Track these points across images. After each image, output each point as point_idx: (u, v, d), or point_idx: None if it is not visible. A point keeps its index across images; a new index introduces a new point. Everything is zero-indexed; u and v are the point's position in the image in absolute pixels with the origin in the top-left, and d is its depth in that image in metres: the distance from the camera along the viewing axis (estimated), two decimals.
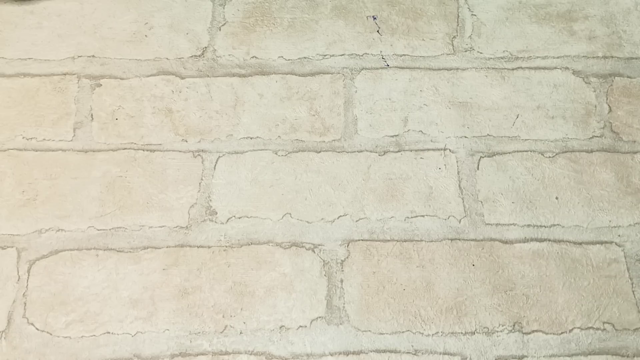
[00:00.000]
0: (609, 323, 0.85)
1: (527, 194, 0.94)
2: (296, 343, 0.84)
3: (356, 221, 0.92)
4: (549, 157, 0.96)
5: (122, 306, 0.86)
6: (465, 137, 0.98)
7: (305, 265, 0.88)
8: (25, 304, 0.86)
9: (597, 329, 0.85)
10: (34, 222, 0.91)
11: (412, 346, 0.84)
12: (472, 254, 0.89)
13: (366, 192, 0.94)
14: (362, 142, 0.98)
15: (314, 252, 0.89)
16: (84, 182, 0.94)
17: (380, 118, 1.00)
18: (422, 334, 0.84)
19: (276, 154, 0.97)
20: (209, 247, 0.90)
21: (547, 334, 0.84)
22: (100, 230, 0.90)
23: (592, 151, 0.97)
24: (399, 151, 0.97)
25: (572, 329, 0.85)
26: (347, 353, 0.83)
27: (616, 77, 1.03)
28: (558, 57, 1.05)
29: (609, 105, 1.01)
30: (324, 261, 0.89)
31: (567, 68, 1.04)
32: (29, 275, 0.87)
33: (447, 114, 1.00)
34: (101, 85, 1.02)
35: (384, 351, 0.84)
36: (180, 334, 0.84)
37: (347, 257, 0.89)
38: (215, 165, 0.95)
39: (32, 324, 0.84)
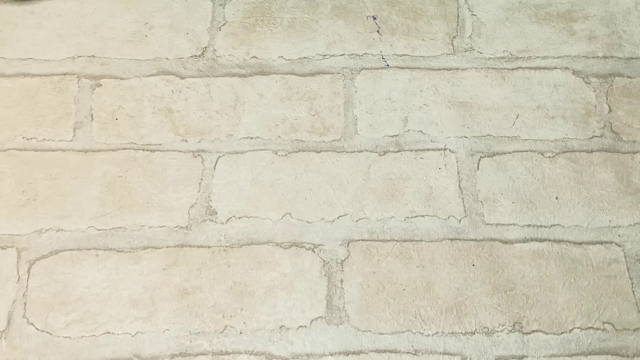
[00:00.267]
0: (609, 323, 0.85)
1: (527, 194, 0.94)
2: (296, 343, 0.84)
3: (356, 221, 0.92)
4: (549, 157, 0.96)
5: (122, 306, 0.86)
6: (465, 137, 0.98)
7: (305, 265, 0.88)
8: (25, 304, 0.86)
9: (597, 329, 0.85)
10: (34, 222, 0.91)
11: (412, 346, 0.84)
12: (472, 254, 0.90)
13: (366, 192, 0.94)
14: (362, 142, 0.98)
15: (314, 252, 0.89)
16: (84, 182, 0.94)
17: (380, 118, 1.00)
18: (422, 334, 0.84)
19: (276, 154, 0.97)
20: (209, 247, 0.90)
21: (547, 334, 0.84)
22: (100, 230, 0.90)
23: (592, 151, 0.97)
24: (399, 151, 0.97)
25: (572, 329, 0.85)
26: (347, 353, 0.83)
27: (616, 77, 1.03)
28: (558, 57, 1.05)
29: (609, 105, 1.01)
30: (324, 261, 0.89)
31: (567, 68, 1.04)
32: (29, 275, 0.87)
33: (447, 114, 1.00)
34: (101, 85, 1.02)
35: (384, 351, 0.84)
36: (180, 334, 0.84)
37: (347, 257, 0.89)
38: (215, 165, 0.95)
39: (32, 324, 0.84)
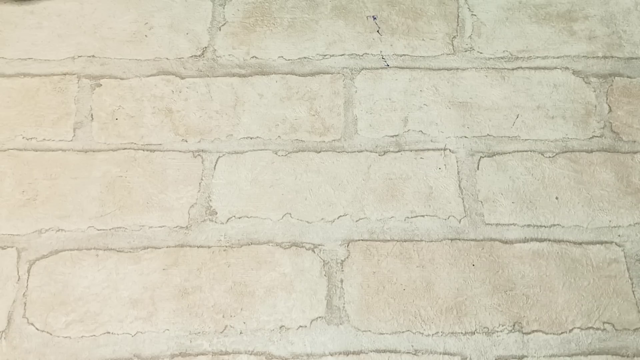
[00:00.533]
0: (609, 323, 0.85)
1: (527, 194, 0.94)
2: (296, 343, 0.84)
3: (356, 221, 0.92)
4: (549, 157, 0.96)
5: (122, 306, 0.86)
6: (465, 137, 0.98)
7: (305, 265, 0.88)
8: (25, 304, 0.86)
9: (597, 329, 0.85)
10: (34, 222, 0.91)
11: (412, 346, 0.84)
12: (472, 254, 0.89)
13: (366, 192, 0.94)
14: (362, 142, 0.98)
15: (314, 252, 0.89)
16: (84, 182, 0.94)
17: (380, 118, 1.00)
18: (422, 334, 0.84)
19: (276, 154, 0.97)
20: (209, 247, 0.90)
21: (547, 334, 0.84)
22: (100, 230, 0.90)
23: (592, 151, 0.97)
24: (399, 151, 0.97)
25: (572, 329, 0.85)
26: (347, 353, 0.83)
27: (616, 77, 1.03)
28: (558, 57, 1.05)
29: (609, 105, 1.01)
30: (324, 261, 0.89)
31: (567, 68, 1.04)
32: (29, 275, 0.87)
33: (447, 114, 1.00)
34: (101, 85, 1.02)
35: (384, 351, 0.84)
36: (180, 334, 0.84)
37: (347, 257, 0.89)
38: (215, 165, 0.95)
39: (32, 324, 0.84)
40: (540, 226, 0.91)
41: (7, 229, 0.90)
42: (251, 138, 0.98)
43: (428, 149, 0.97)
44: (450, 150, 0.97)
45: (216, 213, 0.92)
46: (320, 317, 0.85)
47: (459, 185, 0.94)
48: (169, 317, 0.85)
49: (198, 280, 0.87)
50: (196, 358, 0.83)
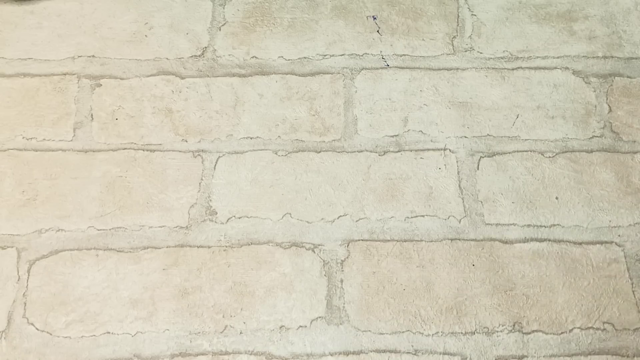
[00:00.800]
0: (609, 323, 0.85)
1: (527, 194, 0.94)
2: (296, 343, 0.84)
3: (356, 221, 0.92)
4: (549, 157, 0.96)
5: (122, 306, 0.86)
6: (465, 137, 0.98)
7: (305, 265, 0.88)
8: (25, 304, 0.86)
9: (597, 329, 0.85)
10: (34, 222, 0.91)
11: (412, 346, 0.84)
12: (472, 254, 0.89)
13: (366, 192, 0.94)
14: (362, 142, 0.98)
15: (314, 252, 0.89)
16: (84, 182, 0.94)
17: (380, 118, 1.00)
18: (422, 334, 0.84)
19: (276, 154, 0.97)
20: (209, 247, 0.90)
21: (547, 334, 0.84)
22: (100, 230, 0.90)
23: (592, 151, 0.97)
24: (399, 151, 0.97)
25: (572, 329, 0.85)
26: (347, 353, 0.83)
27: (616, 77, 1.03)
28: (558, 57, 1.05)
29: (609, 105, 1.01)
30: (324, 261, 0.89)
31: (567, 68, 1.04)
32: (29, 275, 0.87)
33: (447, 114, 1.00)
34: (101, 85, 1.02)
35: (384, 351, 0.84)
36: (180, 334, 0.84)
37: (347, 257, 0.89)
38: (215, 165, 0.95)
39: (32, 324, 0.84)
40: (540, 226, 0.91)
41: (7, 229, 0.90)
42: (251, 138, 0.98)
43: (428, 149, 0.97)
44: (450, 150, 0.97)
45: (216, 213, 0.92)
46: (320, 317, 0.85)
47: (459, 185, 0.94)
48: (169, 317, 0.85)
49: (198, 280, 0.87)
50: (196, 358, 0.83)
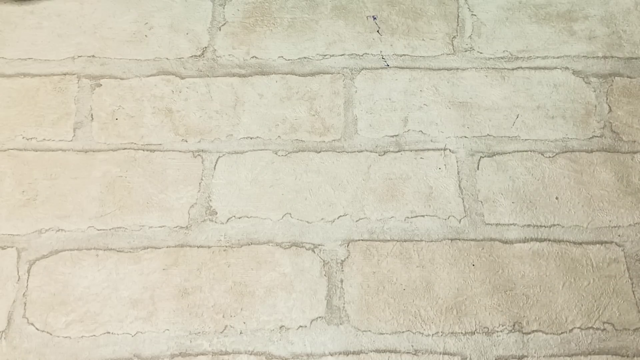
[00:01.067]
0: (609, 323, 0.85)
1: (527, 194, 0.94)
2: (296, 343, 0.84)
3: (356, 221, 0.92)
4: (549, 157, 0.96)
5: (122, 306, 0.86)
6: (465, 137, 0.98)
7: (305, 265, 0.88)
8: (25, 304, 0.86)
9: (597, 329, 0.85)
10: (34, 222, 0.91)
11: (412, 346, 0.84)
12: (472, 254, 0.89)
13: (366, 192, 0.94)
14: (362, 142, 0.98)
15: (314, 252, 0.89)
16: (84, 182, 0.94)
17: (380, 118, 1.00)
18: (422, 334, 0.84)
19: (276, 154, 0.97)
20: (209, 247, 0.90)
21: (547, 334, 0.84)
22: (100, 230, 0.90)
23: (592, 151, 0.97)
24: (399, 151, 0.97)
25: (572, 329, 0.85)
26: (347, 353, 0.83)
27: (616, 77, 1.03)
28: (558, 57, 1.05)
29: (609, 105, 1.01)
30: (324, 261, 0.89)
31: (567, 68, 1.04)
32: (29, 275, 0.87)
33: (447, 114, 1.00)
34: (101, 85, 1.02)
35: (384, 351, 0.84)
36: (180, 334, 0.84)
37: (347, 257, 0.89)
38: (215, 165, 0.96)
39: (32, 324, 0.84)
40: (540, 226, 0.91)
41: (7, 229, 0.90)
42: (251, 138, 0.98)
43: (428, 149, 0.97)
44: (450, 150, 0.97)
45: (216, 213, 0.92)
46: (320, 317, 0.85)
47: (459, 185, 0.94)
48: (169, 317, 0.85)
49: (198, 280, 0.87)
50: (196, 358, 0.83)
